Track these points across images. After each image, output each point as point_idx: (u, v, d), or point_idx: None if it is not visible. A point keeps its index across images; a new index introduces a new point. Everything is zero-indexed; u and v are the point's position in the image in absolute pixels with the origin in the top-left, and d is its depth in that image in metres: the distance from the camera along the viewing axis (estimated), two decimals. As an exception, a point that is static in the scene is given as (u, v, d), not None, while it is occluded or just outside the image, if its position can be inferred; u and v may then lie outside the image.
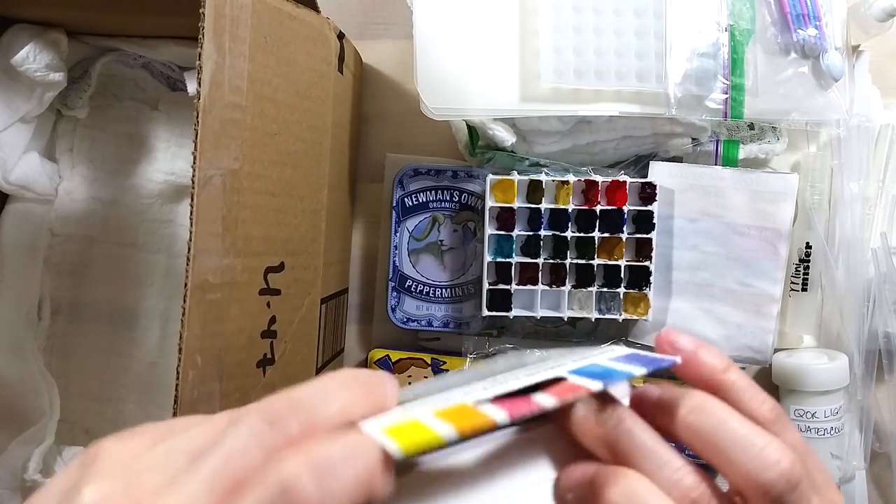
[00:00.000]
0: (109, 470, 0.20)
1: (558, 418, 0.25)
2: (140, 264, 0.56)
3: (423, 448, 0.20)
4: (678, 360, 0.23)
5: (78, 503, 0.19)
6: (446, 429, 0.20)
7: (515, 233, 0.50)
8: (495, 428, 0.21)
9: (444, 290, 0.54)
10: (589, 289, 0.50)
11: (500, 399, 0.22)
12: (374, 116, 0.58)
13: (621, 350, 0.25)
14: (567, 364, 0.24)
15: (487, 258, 0.50)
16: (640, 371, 0.22)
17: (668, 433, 0.24)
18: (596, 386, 0.22)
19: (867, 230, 0.51)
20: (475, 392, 0.22)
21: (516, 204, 0.49)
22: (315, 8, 0.44)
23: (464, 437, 0.20)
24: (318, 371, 0.49)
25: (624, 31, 0.46)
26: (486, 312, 0.50)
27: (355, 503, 0.20)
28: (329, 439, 0.20)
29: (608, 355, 0.25)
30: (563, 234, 0.49)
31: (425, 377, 0.53)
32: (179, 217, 0.56)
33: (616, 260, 0.49)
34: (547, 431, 0.25)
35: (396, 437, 0.20)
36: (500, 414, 0.21)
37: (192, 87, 0.50)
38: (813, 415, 0.49)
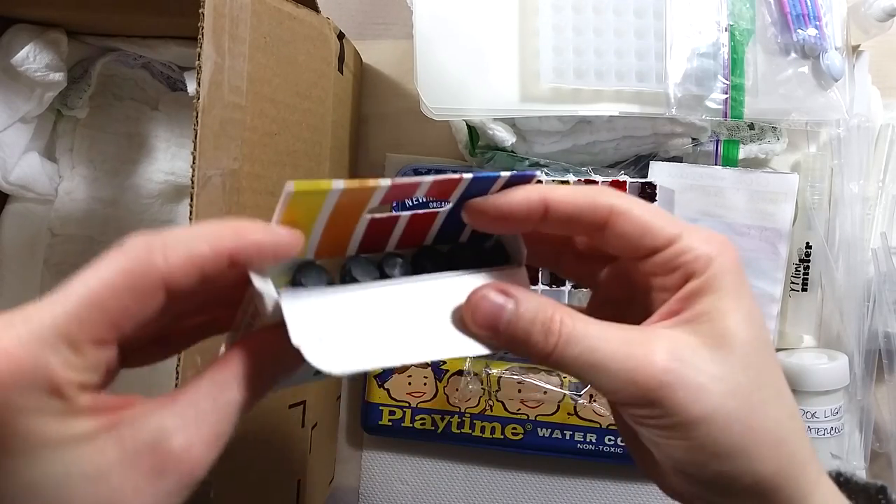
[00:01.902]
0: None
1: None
2: (140, 264, 0.55)
3: (312, 189, 0.23)
4: (539, 174, 0.28)
5: None
6: (336, 182, 0.23)
7: (515, 233, 0.50)
8: (377, 191, 0.25)
9: (444, 290, 0.54)
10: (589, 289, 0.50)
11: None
12: (374, 116, 0.58)
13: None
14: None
15: (487, 258, 0.50)
16: (504, 174, 0.27)
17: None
18: (468, 176, 0.26)
19: (867, 230, 0.51)
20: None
21: (516, 204, 0.49)
22: (315, 8, 0.44)
23: (350, 190, 0.24)
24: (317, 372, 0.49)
25: (624, 31, 0.46)
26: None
27: (213, 261, 0.23)
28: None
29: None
30: (563, 234, 0.49)
31: (424, 378, 0.53)
32: (179, 217, 0.56)
33: (616, 260, 0.49)
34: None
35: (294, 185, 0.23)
36: (384, 181, 0.25)
37: (191, 87, 0.50)
38: (813, 415, 0.49)
